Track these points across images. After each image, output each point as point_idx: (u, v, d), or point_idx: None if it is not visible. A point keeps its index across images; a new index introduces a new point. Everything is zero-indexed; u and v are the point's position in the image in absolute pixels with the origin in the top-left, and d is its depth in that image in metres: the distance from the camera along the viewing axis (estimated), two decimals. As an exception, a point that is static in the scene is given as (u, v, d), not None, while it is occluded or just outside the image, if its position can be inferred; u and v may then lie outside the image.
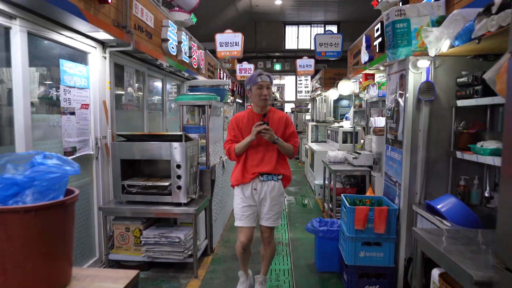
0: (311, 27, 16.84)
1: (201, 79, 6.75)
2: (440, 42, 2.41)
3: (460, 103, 2.55)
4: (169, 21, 4.92)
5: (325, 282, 3.38)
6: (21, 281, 1.19)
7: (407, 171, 2.88)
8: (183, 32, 5.48)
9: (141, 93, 4.94)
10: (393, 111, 3.16)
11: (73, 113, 3.17)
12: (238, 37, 8.24)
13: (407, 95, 2.85)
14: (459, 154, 2.56)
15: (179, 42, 5.35)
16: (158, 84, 5.72)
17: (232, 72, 12.42)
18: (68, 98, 3.09)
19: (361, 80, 6.27)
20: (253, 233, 2.92)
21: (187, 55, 5.76)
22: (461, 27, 2.23)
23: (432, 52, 2.50)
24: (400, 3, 4.40)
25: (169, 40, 4.88)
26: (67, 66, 3.06)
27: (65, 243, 1.32)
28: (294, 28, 16.90)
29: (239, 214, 2.88)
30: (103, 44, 3.60)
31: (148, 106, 5.08)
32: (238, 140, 2.87)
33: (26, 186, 1.31)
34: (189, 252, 3.47)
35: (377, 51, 5.21)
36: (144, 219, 3.60)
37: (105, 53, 3.64)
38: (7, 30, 2.45)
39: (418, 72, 2.78)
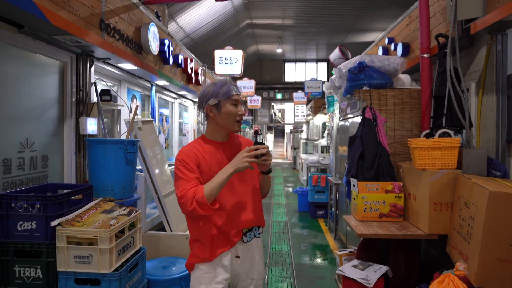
0: (305, 63, 20.90)
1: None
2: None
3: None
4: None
5: (301, 215, 7.09)
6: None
7: (334, 160, 6.61)
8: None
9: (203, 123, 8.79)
10: (331, 133, 6.94)
11: (185, 135, 6.97)
12: (252, 82, 12.16)
13: (333, 126, 6.62)
14: (352, 151, 6.33)
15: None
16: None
17: (244, 102, 16.37)
18: (185, 128, 6.90)
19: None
20: None
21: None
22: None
23: (336, 113, 6.25)
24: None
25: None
26: (184, 114, 6.89)
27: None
28: (292, 64, 20.98)
29: None
30: (193, 101, 7.43)
31: (204, 130, 8.96)
32: (204, 182, 1.68)
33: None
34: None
35: (336, 98, 9.06)
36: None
37: (194, 106, 7.47)
38: (172, 103, 6.28)
39: (337, 117, 6.55)
